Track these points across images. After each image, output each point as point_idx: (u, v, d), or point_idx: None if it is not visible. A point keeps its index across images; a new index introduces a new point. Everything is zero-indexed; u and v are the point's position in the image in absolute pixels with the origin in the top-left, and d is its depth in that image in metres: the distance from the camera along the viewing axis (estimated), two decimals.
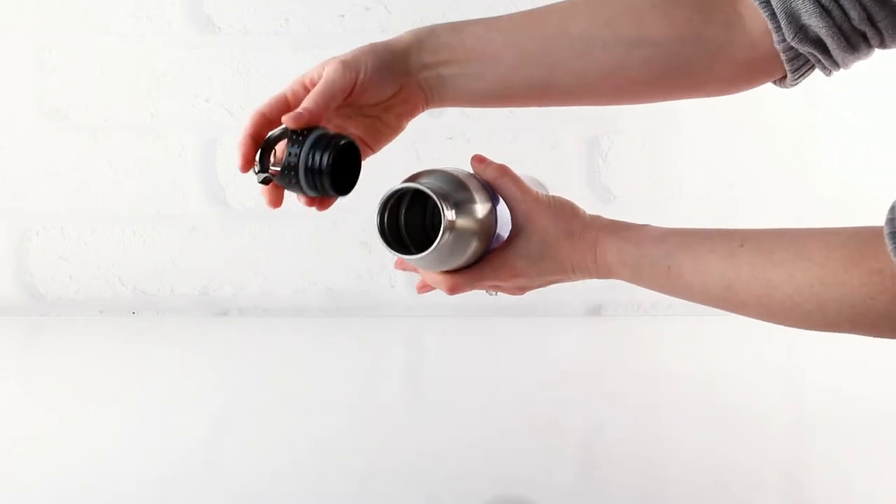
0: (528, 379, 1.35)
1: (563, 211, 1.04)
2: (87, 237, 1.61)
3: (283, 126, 1.00)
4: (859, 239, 0.91)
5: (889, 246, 0.87)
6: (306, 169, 0.99)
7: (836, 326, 0.94)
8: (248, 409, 1.28)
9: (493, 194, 1.02)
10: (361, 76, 1.02)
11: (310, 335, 1.55)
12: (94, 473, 1.11)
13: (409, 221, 1.02)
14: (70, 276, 1.62)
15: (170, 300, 1.61)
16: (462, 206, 0.99)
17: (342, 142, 0.97)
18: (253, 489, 1.07)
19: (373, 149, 1.07)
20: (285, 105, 1.03)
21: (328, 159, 0.98)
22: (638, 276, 1.02)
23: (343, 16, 1.57)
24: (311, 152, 0.99)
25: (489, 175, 1.03)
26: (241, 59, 1.58)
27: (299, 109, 0.99)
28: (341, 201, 1.61)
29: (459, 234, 0.98)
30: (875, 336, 0.94)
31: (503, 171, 1.04)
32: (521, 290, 1.06)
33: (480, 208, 1.00)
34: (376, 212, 1.01)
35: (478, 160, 1.04)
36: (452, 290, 1.06)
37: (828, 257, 0.92)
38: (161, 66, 1.58)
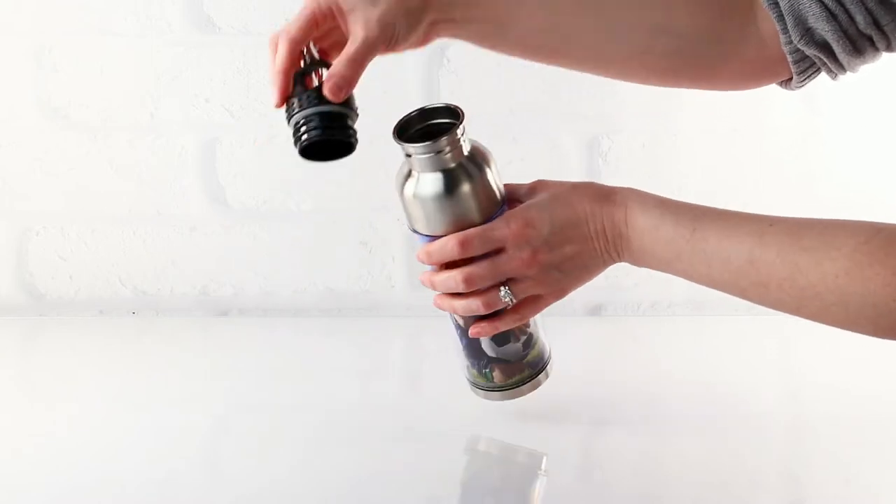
0: None
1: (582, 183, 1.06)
2: (87, 237, 1.61)
3: (307, 59, 0.99)
4: (886, 235, 0.91)
5: None
6: (294, 131, 0.97)
7: (856, 325, 0.93)
8: (248, 409, 1.28)
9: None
10: (392, 41, 1.00)
11: (310, 335, 1.55)
12: (94, 473, 1.11)
13: None
14: (70, 276, 1.61)
15: (170, 300, 1.61)
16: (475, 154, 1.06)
17: (333, 137, 0.96)
18: (253, 489, 1.07)
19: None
20: (315, 27, 1.00)
21: (304, 142, 0.97)
22: (655, 239, 1.01)
23: None
24: (303, 120, 0.98)
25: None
26: (241, 59, 1.58)
27: (338, 80, 0.98)
28: (340, 204, 1.61)
29: (470, 168, 1.04)
30: (892, 339, 0.93)
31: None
32: (534, 257, 1.05)
33: (493, 175, 1.06)
34: (396, 131, 1.04)
35: None
36: (464, 244, 1.04)
37: (855, 250, 0.92)
38: (161, 66, 1.58)
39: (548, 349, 1.14)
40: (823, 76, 1.08)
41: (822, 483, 1.10)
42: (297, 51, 1.00)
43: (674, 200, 1.03)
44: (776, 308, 0.98)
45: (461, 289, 1.05)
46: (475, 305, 1.06)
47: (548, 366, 1.14)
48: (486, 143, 1.58)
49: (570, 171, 1.58)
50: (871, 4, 1.01)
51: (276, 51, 1.00)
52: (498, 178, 1.08)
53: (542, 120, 1.58)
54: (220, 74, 1.58)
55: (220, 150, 1.59)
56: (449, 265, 1.06)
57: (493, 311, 1.07)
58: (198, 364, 1.44)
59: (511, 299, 1.06)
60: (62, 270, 1.61)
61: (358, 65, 0.99)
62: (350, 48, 0.99)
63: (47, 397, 1.33)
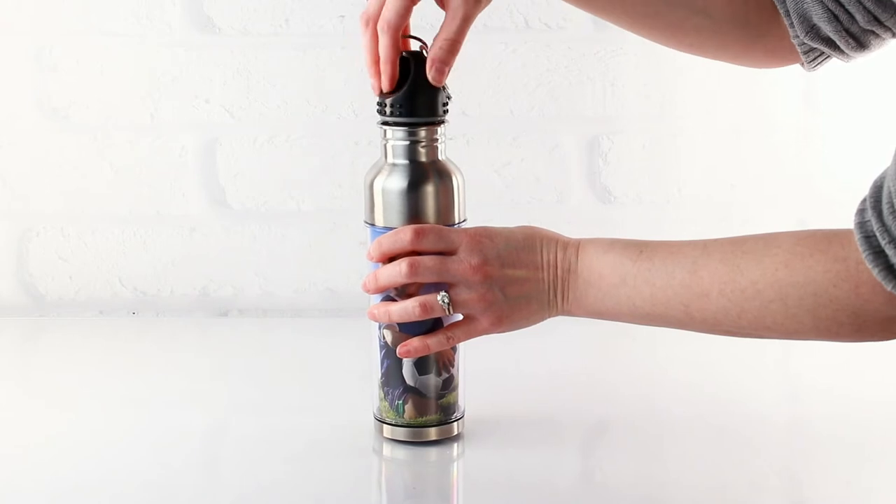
0: (527, 379, 1.35)
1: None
2: (87, 237, 1.61)
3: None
4: (828, 231, 0.94)
5: (856, 234, 0.89)
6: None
7: (795, 322, 0.94)
8: (248, 409, 1.28)
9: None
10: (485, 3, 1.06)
11: (310, 335, 1.55)
12: (95, 473, 1.11)
13: None
14: (70, 277, 1.62)
15: (170, 300, 1.61)
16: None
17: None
18: (252, 489, 1.07)
19: None
20: (411, 10, 1.05)
21: None
22: (602, 263, 1.03)
23: (343, 16, 1.57)
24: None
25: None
26: (241, 59, 1.58)
27: (440, 66, 1.04)
28: (340, 204, 1.61)
29: (438, 171, 1.08)
30: (832, 336, 0.94)
31: None
32: (482, 266, 1.05)
33: (459, 193, 1.10)
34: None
35: None
36: (418, 232, 1.06)
37: (796, 243, 0.94)
38: (161, 67, 1.58)
39: (463, 409, 1.15)
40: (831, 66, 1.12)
41: (822, 485, 1.10)
42: (398, 37, 1.05)
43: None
44: (718, 323, 0.99)
45: (404, 276, 1.06)
46: (411, 306, 1.07)
47: (460, 421, 1.14)
48: (486, 143, 1.58)
49: (570, 171, 1.58)
50: (868, 3, 1.02)
51: (371, 34, 1.06)
52: (463, 200, 1.11)
53: (542, 120, 1.58)
54: (220, 75, 1.58)
55: (220, 150, 1.59)
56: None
57: (428, 316, 1.07)
58: (198, 364, 1.45)
59: (448, 306, 1.06)
60: (62, 271, 1.61)
61: (459, 46, 1.04)
62: (451, 27, 1.04)
63: (47, 397, 1.33)
